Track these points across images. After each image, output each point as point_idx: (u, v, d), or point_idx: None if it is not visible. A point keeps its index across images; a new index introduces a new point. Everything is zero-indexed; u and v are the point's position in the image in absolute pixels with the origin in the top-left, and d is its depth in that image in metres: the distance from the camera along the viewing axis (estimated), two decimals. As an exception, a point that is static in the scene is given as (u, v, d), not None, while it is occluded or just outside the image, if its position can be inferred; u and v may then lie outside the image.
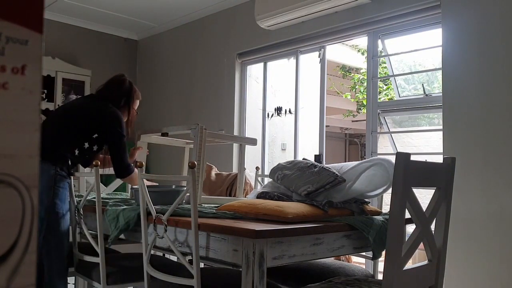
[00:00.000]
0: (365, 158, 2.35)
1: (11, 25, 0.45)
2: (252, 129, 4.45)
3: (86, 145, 2.36)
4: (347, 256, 3.78)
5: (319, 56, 3.88)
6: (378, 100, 3.52)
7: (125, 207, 2.06)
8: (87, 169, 2.75)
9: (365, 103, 4.76)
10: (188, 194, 1.67)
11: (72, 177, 2.37)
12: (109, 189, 3.18)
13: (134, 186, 2.36)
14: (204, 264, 2.20)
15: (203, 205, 2.13)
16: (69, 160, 2.32)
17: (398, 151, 2.30)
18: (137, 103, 2.67)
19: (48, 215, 2.16)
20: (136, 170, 2.43)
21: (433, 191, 1.65)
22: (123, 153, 2.41)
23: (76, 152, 2.35)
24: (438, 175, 1.64)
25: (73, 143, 2.33)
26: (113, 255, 2.42)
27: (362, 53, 6.28)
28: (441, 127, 2.94)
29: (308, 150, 4.55)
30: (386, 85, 6.09)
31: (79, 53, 5.17)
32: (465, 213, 2.71)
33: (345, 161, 2.70)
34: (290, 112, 4.40)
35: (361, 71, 7.02)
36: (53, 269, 2.18)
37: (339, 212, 1.81)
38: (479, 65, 2.74)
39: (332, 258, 2.42)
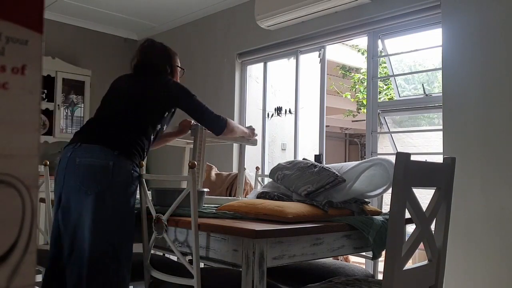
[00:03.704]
0: (365, 158, 2.35)
1: (11, 25, 0.45)
2: (252, 129, 4.44)
3: (159, 126, 2.22)
4: (345, 256, 3.78)
5: (319, 56, 3.88)
6: (378, 100, 3.52)
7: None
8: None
9: (365, 103, 4.76)
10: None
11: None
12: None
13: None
14: (204, 264, 2.20)
15: (203, 205, 2.13)
16: (145, 149, 2.12)
17: (398, 151, 2.30)
18: (178, 60, 2.47)
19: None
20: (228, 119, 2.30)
21: (433, 191, 1.65)
22: (205, 109, 2.25)
23: (152, 137, 2.17)
24: (438, 175, 1.64)
25: (150, 130, 2.14)
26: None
27: (362, 53, 6.28)
28: (441, 127, 2.94)
29: (308, 150, 4.54)
30: (386, 85, 6.09)
31: (79, 53, 5.16)
32: (465, 213, 2.71)
33: (345, 161, 2.70)
34: (290, 112, 4.40)
35: (361, 71, 7.01)
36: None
37: (339, 212, 1.81)
38: (479, 65, 2.74)
39: (331, 258, 2.41)
